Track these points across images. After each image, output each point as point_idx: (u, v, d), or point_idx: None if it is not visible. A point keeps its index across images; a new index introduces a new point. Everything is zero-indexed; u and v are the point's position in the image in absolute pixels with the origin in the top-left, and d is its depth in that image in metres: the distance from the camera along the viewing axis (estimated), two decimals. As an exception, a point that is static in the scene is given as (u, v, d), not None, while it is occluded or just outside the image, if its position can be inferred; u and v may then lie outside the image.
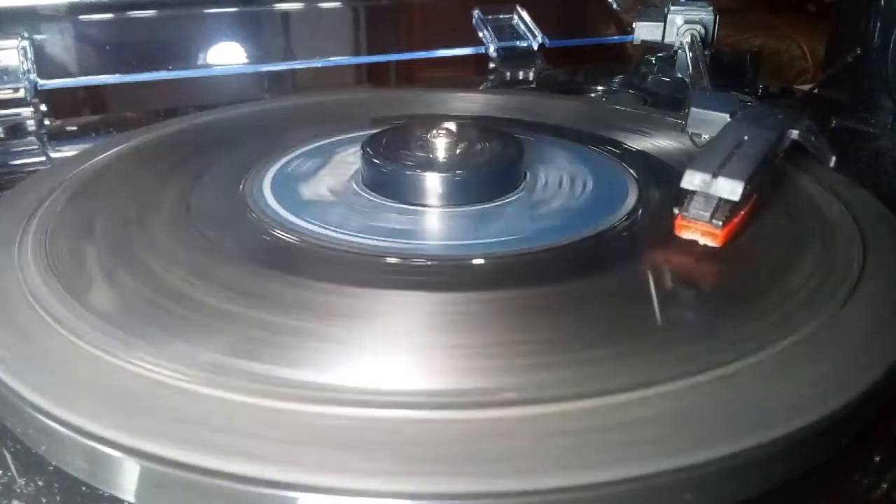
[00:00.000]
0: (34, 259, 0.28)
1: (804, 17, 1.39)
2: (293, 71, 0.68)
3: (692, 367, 0.22)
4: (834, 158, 0.36)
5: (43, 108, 0.55)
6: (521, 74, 0.69)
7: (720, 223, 0.28)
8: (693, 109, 0.39)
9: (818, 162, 0.36)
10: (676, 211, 0.29)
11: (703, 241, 0.29)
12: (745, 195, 0.28)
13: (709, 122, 0.38)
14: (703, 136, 0.38)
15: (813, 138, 0.35)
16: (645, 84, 0.64)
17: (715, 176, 0.28)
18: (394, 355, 0.23)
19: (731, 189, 0.28)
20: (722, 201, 0.28)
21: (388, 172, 0.34)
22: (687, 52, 0.58)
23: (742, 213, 0.30)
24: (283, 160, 0.39)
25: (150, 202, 0.33)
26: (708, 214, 0.28)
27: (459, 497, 0.18)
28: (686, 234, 0.29)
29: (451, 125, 0.35)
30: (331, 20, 0.73)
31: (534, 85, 0.67)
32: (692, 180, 0.29)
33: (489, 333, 0.24)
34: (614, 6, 0.83)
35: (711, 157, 0.29)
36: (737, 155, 0.30)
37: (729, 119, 0.37)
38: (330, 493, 0.18)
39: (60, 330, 0.24)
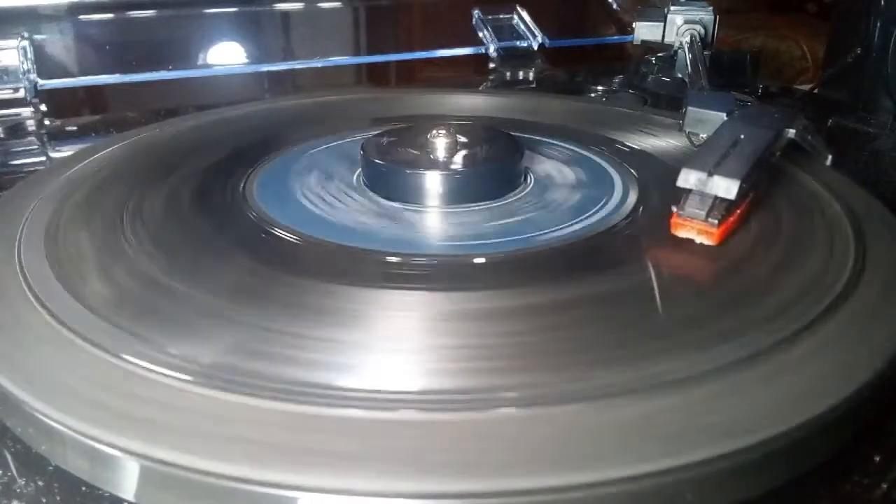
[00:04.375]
0: (34, 258, 0.28)
1: (804, 17, 1.38)
2: (293, 71, 0.68)
3: (691, 366, 0.22)
4: (830, 157, 0.37)
5: (43, 108, 0.56)
6: (521, 74, 0.69)
7: (716, 222, 0.28)
8: (690, 109, 0.39)
9: (817, 161, 0.36)
10: (674, 209, 0.29)
11: (699, 239, 0.29)
12: (741, 194, 0.28)
13: (705, 121, 0.38)
14: (701, 135, 0.39)
15: (809, 137, 0.36)
16: (645, 84, 0.64)
17: (710, 174, 0.28)
18: (393, 355, 0.23)
19: (726, 188, 0.28)
20: (718, 200, 0.28)
21: (388, 172, 0.34)
22: (686, 52, 0.58)
23: (738, 211, 0.30)
24: (284, 160, 0.39)
25: (149, 202, 0.33)
26: (704, 213, 0.28)
27: (459, 497, 0.18)
28: (682, 233, 0.29)
29: (451, 125, 0.36)
30: (331, 20, 0.73)
31: (534, 85, 0.67)
32: (688, 179, 0.29)
33: (489, 333, 0.24)
34: (614, 6, 0.83)
35: (707, 156, 0.30)
36: (733, 154, 0.30)
37: (725, 118, 0.37)
38: (330, 493, 0.18)
39: (61, 329, 0.24)
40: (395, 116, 0.47)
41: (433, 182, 0.33)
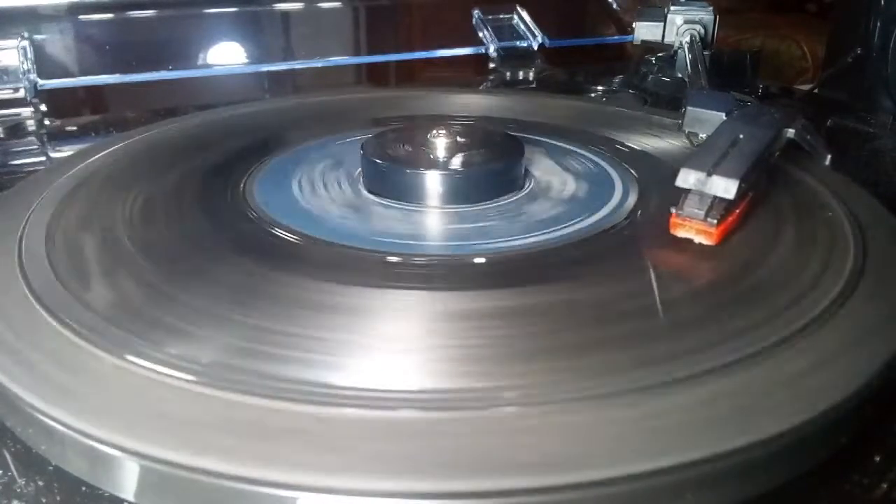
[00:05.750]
0: (34, 258, 0.28)
1: (804, 17, 1.38)
2: (293, 71, 0.68)
3: (690, 366, 0.22)
4: (829, 157, 0.37)
5: (43, 108, 0.56)
6: (521, 74, 0.69)
7: (715, 222, 0.28)
8: (689, 108, 0.39)
9: (816, 161, 0.36)
10: (673, 210, 0.29)
11: (697, 239, 0.29)
12: (740, 194, 0.28)
13: (705, 120, 0.38)
14: (700, 135, 0.39)
15: (809, 137, 0.36)
16: (645, 84, 0.64)
17: (709, 174, 0.28)
18: (393, 355, 0.23)
19: (725, 187, 0.28)
20: (717, 200, 0.28)
21: (388, 172, 0.34)
22: (686, 52, 0.58)
23: (737, 211, 0.30)
24: (284, 160, 0.39)
25: (150, 201, 0.33)
26: (702, 213, 0.28)
27: (459, 496, 0.18)
28: (681, 233, 0.29)
29: (451, 125, 0.36)
30: (331, 20, 0.74)
31: (534, 85, 0.67)
32: (687, 179, 0.29)
33: (488, 333, 0.24)
34: (614, 6, 0.83)
35: (706, 156, 0.30)
36: (732, 153, 0.30)
37: (725, 118, 0.37)
38: (330, 493, 0.18)
39: (60, 329, 0.24)
40: (395, 116, 0.47)
41: (433, 182, 0.33)
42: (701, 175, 0.28)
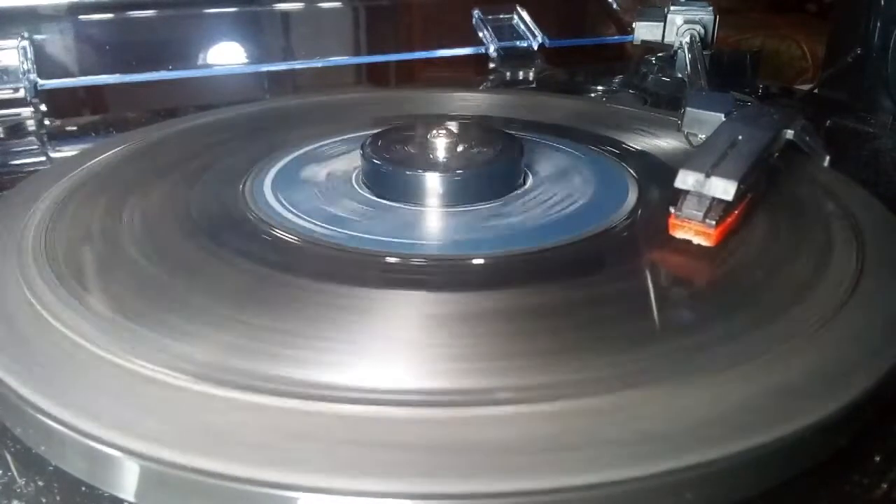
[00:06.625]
0: (34, 258, 0.28)
1: (804, 17, 1.39)
2: (293, 71, 0.68)
3: (690, 367, 0.22)
4: (828, 158, 0.37)
5: (43, 108, 0.56)
6: (521, 74, 0.69)
7: (713, 223, 0.28)
8: (689, 109, 0.39)
9: (816, 162, 0.36)
10: (672, 211, 0.29)
11: (696, 240, 0.29)
12: (739, 195, 0.28)
13: (704, 121, 0.38)
14: (699, 135, 0.39)
15: (808, 138, 0.36)
16: (645, 84, 0.64)
17: (708, 175, 0.28)
18: (393, 355, 0.23)
19: (724, 189, 0.28)
20: (715, 201, 0.28)
21: (388, 172, 0.34)
22: (686, 52, 0.58)
23: (736, 212, 0.30)
24: (284, 160, 0.39)
25: (150, 202, 0.33)
26: (701, 214, 0.28)
27: (458, 497, 0.18)
28: (679, 234, 0.29)
29: (451, 125, 0.36)
30: (331, 20, 0.74)
31: (534, 85, 0.67)
32: (685, 180, 0.29)
33: (488, 333, 0.24)
34: (614, 6, 0.83)
35: (705, 157, 0.30)
36: (731, 154, 0.30)
37: (724, 119, 0.37)
38: (330, 493, 0.18)
39: (60, 329, 0.24)
40: (395, 116, 0.47)
41: (432, 182, 0.33)
42: (700, 176, 0.28)
